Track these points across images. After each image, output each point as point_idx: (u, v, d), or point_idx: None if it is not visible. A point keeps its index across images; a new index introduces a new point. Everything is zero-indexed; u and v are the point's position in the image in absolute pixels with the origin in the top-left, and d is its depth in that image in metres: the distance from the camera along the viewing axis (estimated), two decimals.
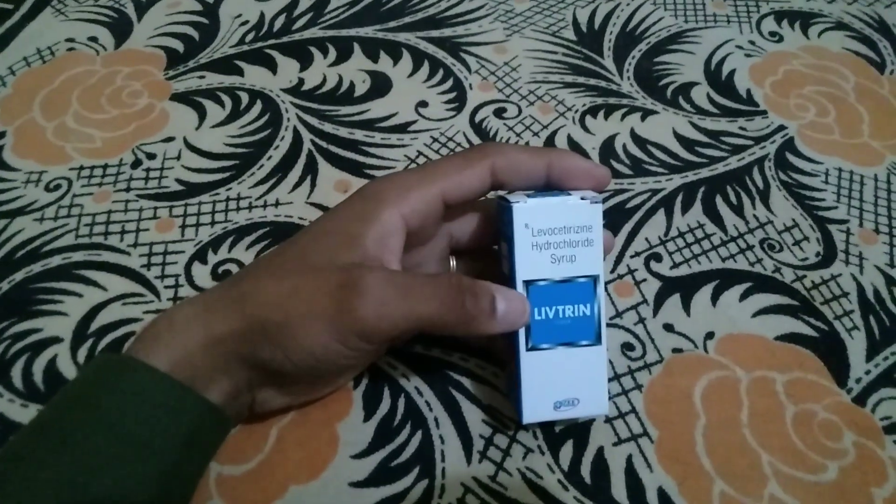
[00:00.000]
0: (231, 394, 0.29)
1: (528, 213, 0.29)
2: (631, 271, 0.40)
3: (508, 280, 0.31)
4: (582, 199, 0.30)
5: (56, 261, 0.40)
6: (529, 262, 0.30)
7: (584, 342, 0.31)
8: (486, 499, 0.32)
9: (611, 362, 0.37)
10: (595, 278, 0.30)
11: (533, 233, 0.29)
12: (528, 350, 0.31)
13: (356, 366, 0.33)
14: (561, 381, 0.31)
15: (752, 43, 0.55)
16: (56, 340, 0.37)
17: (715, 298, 0.39)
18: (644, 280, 0.40)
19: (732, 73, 0.53)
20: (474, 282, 0.28)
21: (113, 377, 0.27)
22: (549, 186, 0.32)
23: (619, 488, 0.33)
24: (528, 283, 0.30)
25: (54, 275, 0.40)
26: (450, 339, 0.37)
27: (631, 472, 0.33)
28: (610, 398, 0.34)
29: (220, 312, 0.28)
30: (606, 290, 0.39)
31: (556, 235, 0.30)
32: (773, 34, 0.56)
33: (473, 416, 0.35)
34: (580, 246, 0.30)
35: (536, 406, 0.31)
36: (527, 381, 0.31)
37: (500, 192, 0.32)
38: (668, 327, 0.38)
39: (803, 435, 0.34)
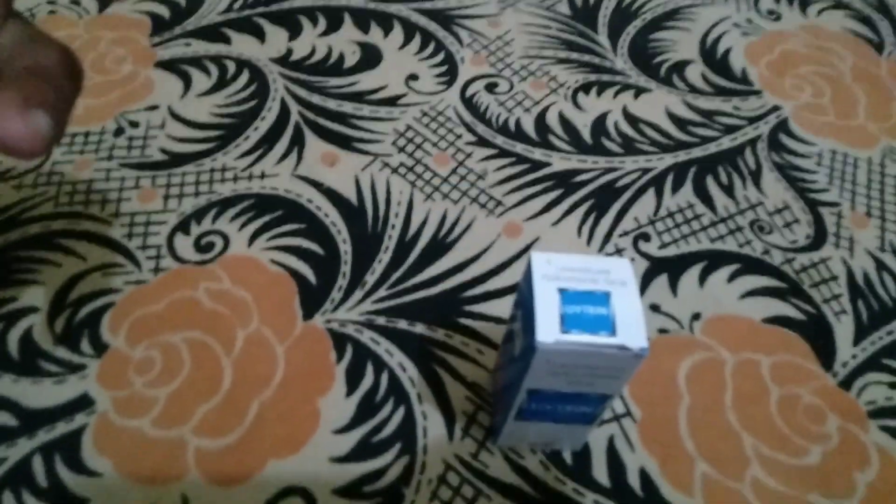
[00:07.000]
0: None
1: (554, 353, 0.24)
2: (619, 250, 0.40)
3: (506, 357, 0.30)
4: (623, 347, 0.24)
5: (34, 229, 0.40)
6: (540, 380, 0.26)
7: (577, 423, 0.30)
8: (466, 476, 0.32)
9: None
10: (608, 395, 0.27)
11: (553, 366, 0.25)
12: (515, 419, 0.30)
13: None
14: (542, 434, 0.31)
15: (750, 21, 0.54)
16: (32, 310, 0.36)
17: (703, 279, 0.39)
18: (632, 259, 0.40)
19: (728, 51, 0.52)
20: None
21: None
22: None
23: (600, 469, 0.33)
24: (532, 391, 0.27)
25: (32, 243, 0.39)
26: (434, 316, 0.37)
27: (612, 453, 0.33)
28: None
29: None
30: None
31: (581, 369, 0.25)
32: (770, 12, 0.55)
33: (457, 393, 0.35)
34: (604, 377, 0.26)
35: (513, 440, 0.32)
36: (507, 432, 0.31)
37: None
38: (655, 307, 0.38)
39: (787, 418, 0.34)
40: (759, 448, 0.33)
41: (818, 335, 0.37)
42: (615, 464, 0.33)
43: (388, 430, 0.33)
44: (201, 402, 0.34)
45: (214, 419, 0.33)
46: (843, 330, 0.37)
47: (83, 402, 0.34)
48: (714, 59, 0.51)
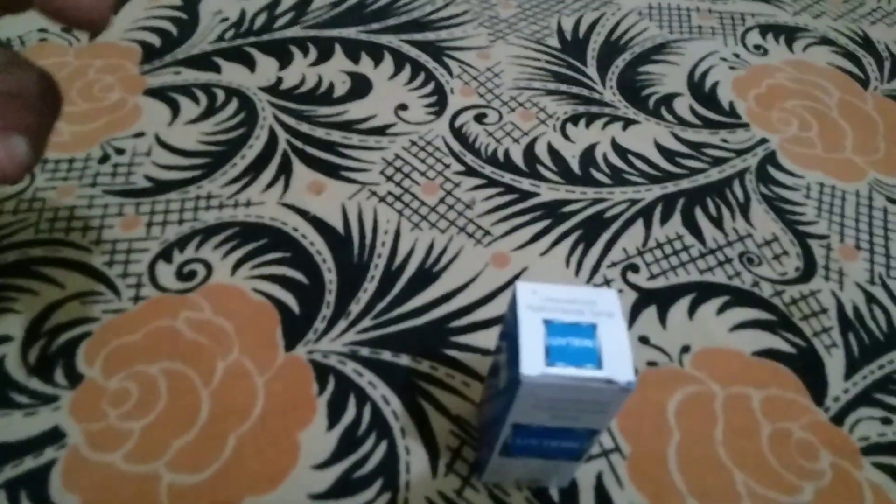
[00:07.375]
0: None
1: (539, 386, 0.24)
2: (607, 281, 0.40)
3: (492, 390, 0.29)
4: (609, 381, 0.23)
5: (12, 256, 0.39)
6: (525, 414, 0.25)
7: (563, 459, 0.29)
8: None
9: None
10: (596, 430, 0.26)
11: (539, 400, 0.24)
12: (500, 455, 0.29)
13: None
14: (528, 471, 0.30)
15: (737, 55, 0.55)
16: (6, 340, 0.35)
17: (692, 311, 0.39)
18: (620, 291, 0.39)
19: (716, 85, 0.52)
20: None
21: None
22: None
23: None
24: (517, 425, 0.26)
25: (9, 271, 0.38)
26: (419, 347, 0.36)
27: (601, 490, 0.32)
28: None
29: None
30: None
31: (567, 403, 0.25)
32: (757, 47, 0.56)
33: (441, 427, 0.34)
34: (590, 412, 0.25)
35: (498, 476, 0.31)
36: (492, 467, 0.30)
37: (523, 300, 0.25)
38: (644, 340, 0.37)
39: (779, 454, 0.33)
40: (751, 485, 0.32)
41: (809, 369, 0.37)
42: (604, 501, 0.32)
43: (370, 465, 0.32)
44: (177, 436, 0.33)
45: (190, 453, 0.32)
46: (835, 363, 0.37)
47: (54, 436, 0.32)
48: (702, 92, 0.52)
